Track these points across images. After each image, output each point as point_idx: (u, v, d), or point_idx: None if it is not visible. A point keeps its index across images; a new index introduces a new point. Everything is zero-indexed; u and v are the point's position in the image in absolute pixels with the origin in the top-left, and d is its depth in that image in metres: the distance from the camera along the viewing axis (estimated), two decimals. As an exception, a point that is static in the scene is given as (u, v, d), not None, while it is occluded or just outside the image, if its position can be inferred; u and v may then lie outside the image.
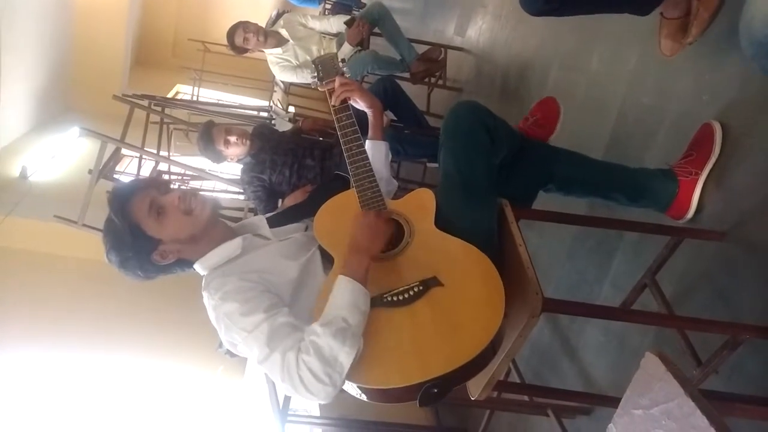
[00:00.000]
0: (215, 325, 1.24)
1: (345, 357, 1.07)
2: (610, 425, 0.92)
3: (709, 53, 1.67)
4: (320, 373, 1.06)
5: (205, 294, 1.28)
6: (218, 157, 3.08)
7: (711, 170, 1.58)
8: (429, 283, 1.18)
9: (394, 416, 2.91)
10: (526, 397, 2.19)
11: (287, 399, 2.39)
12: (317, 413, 2.91)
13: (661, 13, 1.76)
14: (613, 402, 1.00)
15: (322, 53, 3.63)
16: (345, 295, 1.14)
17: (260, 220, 1.47)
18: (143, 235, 1.29)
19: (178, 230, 1.32)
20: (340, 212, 1.37)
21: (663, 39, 1.82)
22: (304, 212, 1.51)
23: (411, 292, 1.17)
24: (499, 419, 2.57)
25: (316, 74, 1.52)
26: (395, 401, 1.13)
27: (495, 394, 2.26)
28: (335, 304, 1.13)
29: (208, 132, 3.05)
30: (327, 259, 1.33)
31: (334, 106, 1.46)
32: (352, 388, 1.13)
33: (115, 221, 1.29)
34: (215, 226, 1.38)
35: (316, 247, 1.37)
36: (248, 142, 3.03)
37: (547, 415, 2.04)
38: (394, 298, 1.17)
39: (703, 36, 1.68)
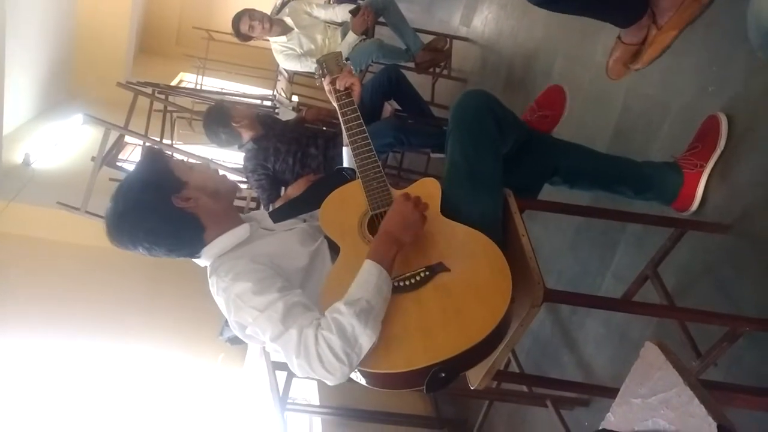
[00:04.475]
0: (225, 308, 1.23)
1: (366, 339, 1.06)
2: (608, 414, 0.92)
3: (715, 44, 1.66)
4: (339, 351, 1.05)
5: (212, 279, 1.27)
6: (226, 137, 3.05)
7: (716, 163, 1.58)
8: (435, 269, 1.18)
9: (394, 406, 2.91)
10: (525, 389, 2.19)
11: (287, 387, 2.39)
12: (317, 402, 2.91)
13: (619, 37, 1.74)
14: (612, 393, 0.99)
15: (327, 42, 3.62)
16: (371, 279, 1.13)
17: (262, 215, 1.48)
18: (172, 175, 1.34)
19: (206, 180, 1.38)
20: (346, 203, 1.37)
21: (612, 62, 1.82)
22: (303, 207, 1.50)
23: (417, 278, 1.17)
24: (498, 410, 2.58)
25: (321, 71, 1.57)
26: (402, 387, 1.13)
27: (494, 384, 2.26)
28: (360, 286, 1.12)
29: (221, 111, 3.03)
30: (334, 250, 1.33)
31: (339, 90, 1.51)
32: (354, 374, 1.13)
33: (145, 162, 1.38)
34: (233, 207, 1.43)
35: (323, 237, 1.37)
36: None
37: (546, 406, 2.04)
38: (401, 284, 1.17)
39: (691, 33, 1.67)
